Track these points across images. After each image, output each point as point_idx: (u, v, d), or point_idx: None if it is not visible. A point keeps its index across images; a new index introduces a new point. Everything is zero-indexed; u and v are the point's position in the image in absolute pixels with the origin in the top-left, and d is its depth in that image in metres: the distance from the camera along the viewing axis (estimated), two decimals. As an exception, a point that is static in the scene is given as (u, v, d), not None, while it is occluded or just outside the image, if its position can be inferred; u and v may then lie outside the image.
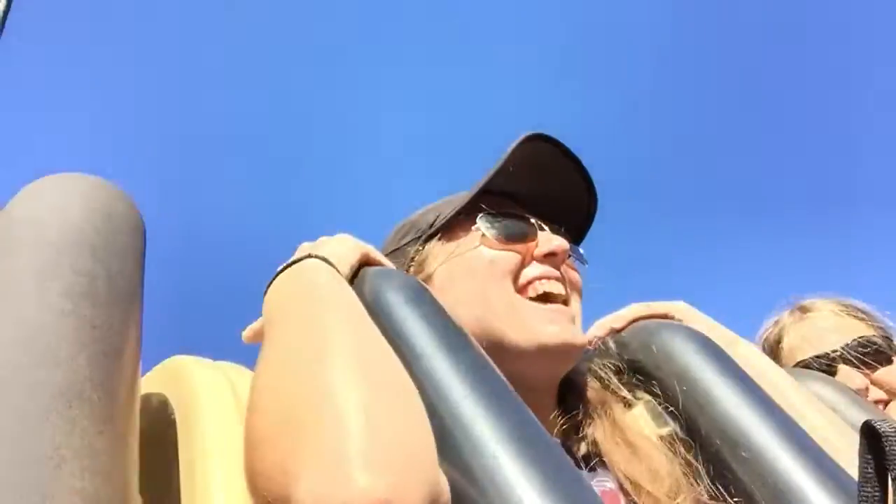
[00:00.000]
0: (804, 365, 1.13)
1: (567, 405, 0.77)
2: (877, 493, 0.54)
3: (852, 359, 1.10)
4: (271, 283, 0.65)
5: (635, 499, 0.66)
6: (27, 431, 0.33)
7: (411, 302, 0.64)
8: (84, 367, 0.40)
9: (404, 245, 0.84)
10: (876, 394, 1.09)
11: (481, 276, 0.74)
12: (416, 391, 0.50)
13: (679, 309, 0.89)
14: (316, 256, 0.65)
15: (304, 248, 0.70)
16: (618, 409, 0.75)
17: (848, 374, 1.09)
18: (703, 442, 0.69)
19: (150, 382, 0.73)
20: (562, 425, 0.74)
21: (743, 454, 0.66)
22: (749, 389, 0.72)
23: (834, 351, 1.11)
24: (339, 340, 0.50)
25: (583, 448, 0.72)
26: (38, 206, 0.54)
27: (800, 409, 0.74)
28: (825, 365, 1.11)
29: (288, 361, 0.50)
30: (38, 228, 0.50)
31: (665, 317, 0.87)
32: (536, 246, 0.76)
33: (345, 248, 0.70)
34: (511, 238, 0.76)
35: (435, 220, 0.82)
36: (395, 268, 0.75)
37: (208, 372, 0.72)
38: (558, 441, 0.70)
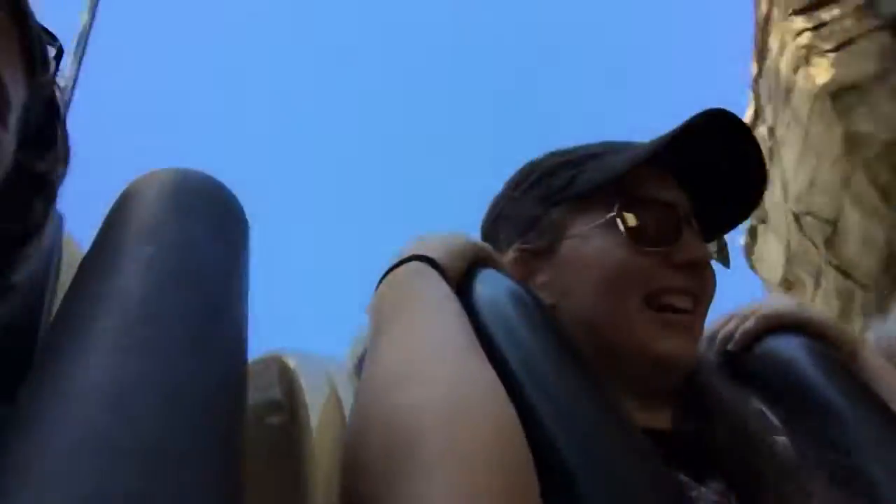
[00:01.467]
0: None
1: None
2: None
3: None
4: (380, 282, 0.63)
5: None
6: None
7: (520, 314, 0.60)
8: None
9: (529, 198, 0.75)
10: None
11: (607, 278, 0.67)
12: (521, 437, 0.46)
13: (793, 309, 0.80)
14: (422, 258, 0.62)
15: (412, 245, 0.67)
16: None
17: None
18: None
19: (253, 375, 0.73)
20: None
21: None
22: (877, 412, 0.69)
23: None
24: (440, 376, 0.47)
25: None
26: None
27: None
28: None
29: (386, 391, 0.48)
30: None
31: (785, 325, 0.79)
32: (678, 251, 0.67)
33: (456, 246, 0.66)
34: (652, 240, 0.67)
35: (571, 183, 0.72)
36: (507, 269, 0.71)
37: (312, 368, 0.72)
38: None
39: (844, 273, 5.15)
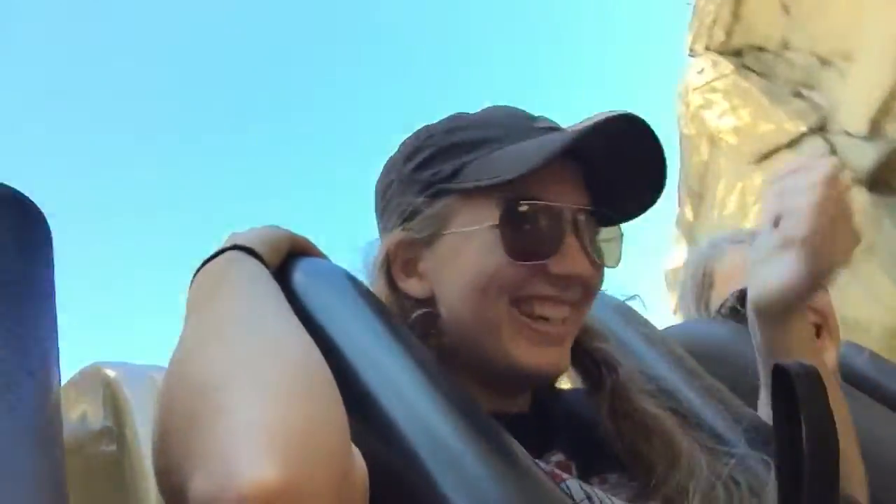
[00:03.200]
0: (743, 294, 1.16)
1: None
2: (790, 432, 0.58)
3: None
4: (195, 276, 0.63)
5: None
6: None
7: (335, 288, 0.64)
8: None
9: (416, 180, 0.72)
10: (811, 318, 1.11)
11: (480, 284, 0.66)
12: (326, 372, 0.49)
13: None
14: (239, 247, 0.64)
15: (228, 238, 0.69)
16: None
17: None
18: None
19: (72, 392, 0.70)
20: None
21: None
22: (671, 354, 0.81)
23: None
24: (242, 329, 0.50)
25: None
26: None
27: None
28: None
29: (190, 354, 0.49)
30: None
31: None
32: (556, 262, 0.66)
33: (272, 237, 0.68)
34: (530, 252, 0.66)
35: (457, 175, 0.69)
36: (323, 257, 0.74)
37: (136, 379, 0.70)
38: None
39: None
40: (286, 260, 0.69)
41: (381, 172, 0.79)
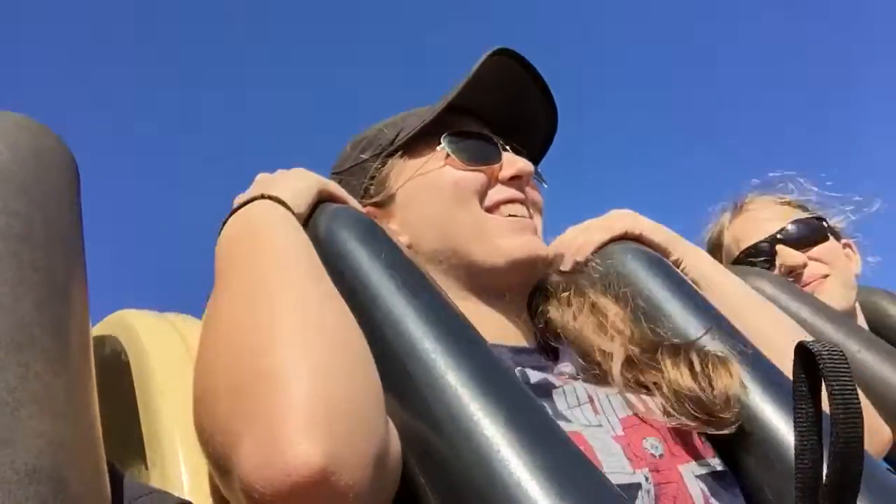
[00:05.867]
0: (747, 252, 1.22)
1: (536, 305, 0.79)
2: (811, 410, 0.59)
3: (790, 239, 1.19)
4: (224, 223, 0.63)
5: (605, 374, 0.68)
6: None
7: (364, 241, 0.63)
8: (31, 311, 0.39)
9: (363, 161, 0.82)
10: (814, 269, 1.18)
11: (447, 196, 0.74)
12: (364, 344, 0.50)
13: (629, 222, 0.89)
14: (269, 197, 0.63)
15: (259, 183, 0.68)
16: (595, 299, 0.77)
17: (787, 253, 1.18)
18: None
19: (98, 338, 0.70)
20: (530, 322, 0.77)
21: None
22: (697, 303, 0.78)
23: (773, 234, 1.20)
24: (285, 297, 0.50)
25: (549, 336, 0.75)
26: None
27: (744, 310, 0.80)
28: (766, 248, 1.20)
29: (233, 316, 0.50)
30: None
31: (623, 236, 0.88)
32: (501, 168, 0.76)
33: (301, 184, 0.68)
34: (476, 159, 0.76)
35: (397, 136, 0.80)
36: (353, 203, 0.74)
37: (156, 324, 0.70)
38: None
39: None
40: (315, 206, 0.69)
41: (336, 166, 0.87)
